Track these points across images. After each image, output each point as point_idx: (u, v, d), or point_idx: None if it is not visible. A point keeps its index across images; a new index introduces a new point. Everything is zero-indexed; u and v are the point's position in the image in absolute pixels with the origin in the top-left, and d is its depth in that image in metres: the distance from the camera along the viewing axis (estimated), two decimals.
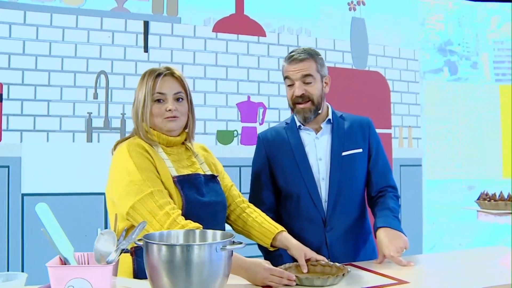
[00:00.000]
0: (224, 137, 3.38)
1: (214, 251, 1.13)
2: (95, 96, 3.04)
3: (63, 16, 2.99)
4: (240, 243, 1.20)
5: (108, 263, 1.11)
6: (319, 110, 1.90)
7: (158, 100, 1.58)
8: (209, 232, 1.31)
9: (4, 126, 2.84)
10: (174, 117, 1.59)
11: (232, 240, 1.20)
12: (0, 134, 2.83)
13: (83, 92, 3.02)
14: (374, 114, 3.62)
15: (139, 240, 1.16)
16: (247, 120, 3.44)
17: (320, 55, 1.91)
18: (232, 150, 3.36)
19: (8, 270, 2.79)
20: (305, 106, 1.87)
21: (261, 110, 3.48)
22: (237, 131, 3.40)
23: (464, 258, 1.91)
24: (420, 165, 3.92)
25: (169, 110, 1.57)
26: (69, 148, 2.97)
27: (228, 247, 1.16)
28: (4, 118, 2.84)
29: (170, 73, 1.61)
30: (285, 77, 1.90)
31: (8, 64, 2.87)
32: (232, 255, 1.21)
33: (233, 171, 3.19)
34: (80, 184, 2.95)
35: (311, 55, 1.87)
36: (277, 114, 3.48)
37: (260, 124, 3.46)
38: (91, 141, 3.02)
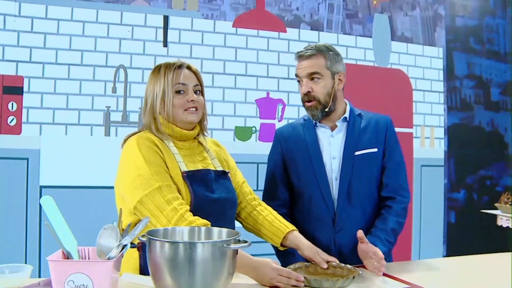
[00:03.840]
0: (242, 133, 3.35)
1: (218, 249, 1.10)
2: (114, 90, 3.05)
3: (83, 10, 3.01)
4: (246, 241, 1.17)
5: (109, 259, 1.09)
6: (327, 108, 1.84)
7: (179, 92, 1.56)
8: (215, 229, 1.29)
9: (24, 119, 2.88)
10: (196, 109, 1.58)
11: (238, 238, 1.17)
12: (20, 127, 2.87)
13: (101, 86, 3.04)
14: (395, 112, 3.56)
15: (142, 236, 1.14)
16: (266, 117, 3.41)
17: (332, 50, 1.85)
18: (250, 147, 3.34)
19: (26, 262, 2.82)
20: (311, 105, 1.84)
21: (280, 107, 3.45)
22: (255, 128, 3.37)
23: (482, 262, 1.84)
24: (442, 166, 3.83)
25: (191, 100, 1.56)
26: (87, 141, 2.99)
27: (233, 245, 1.13)
28: (24, 111, 2.88)
29: (188, 66, 1.61)
30: (295, 75, 1.88)
31: (29, 58, 2.91)
32: (237, 253, 1.18)
33: (251, 167, 3.16)
34: (97, 177, 2.96)
35: (320, 51, 1.82)
36: (296, 111, 3.44)
37: (279, 120, 3.42)
38: (109, 135, 3.03)
